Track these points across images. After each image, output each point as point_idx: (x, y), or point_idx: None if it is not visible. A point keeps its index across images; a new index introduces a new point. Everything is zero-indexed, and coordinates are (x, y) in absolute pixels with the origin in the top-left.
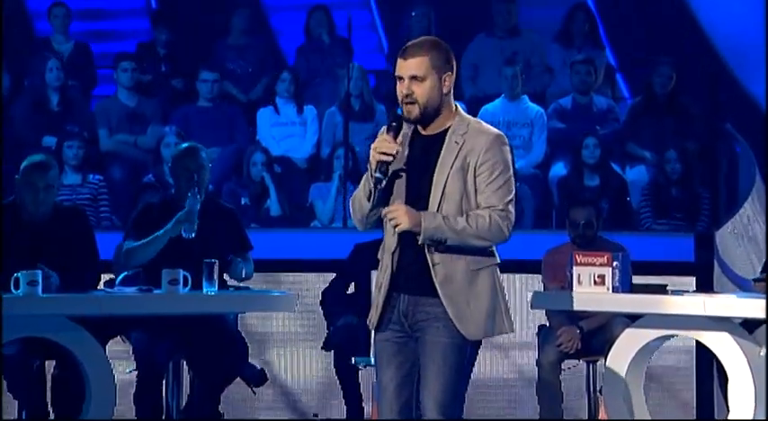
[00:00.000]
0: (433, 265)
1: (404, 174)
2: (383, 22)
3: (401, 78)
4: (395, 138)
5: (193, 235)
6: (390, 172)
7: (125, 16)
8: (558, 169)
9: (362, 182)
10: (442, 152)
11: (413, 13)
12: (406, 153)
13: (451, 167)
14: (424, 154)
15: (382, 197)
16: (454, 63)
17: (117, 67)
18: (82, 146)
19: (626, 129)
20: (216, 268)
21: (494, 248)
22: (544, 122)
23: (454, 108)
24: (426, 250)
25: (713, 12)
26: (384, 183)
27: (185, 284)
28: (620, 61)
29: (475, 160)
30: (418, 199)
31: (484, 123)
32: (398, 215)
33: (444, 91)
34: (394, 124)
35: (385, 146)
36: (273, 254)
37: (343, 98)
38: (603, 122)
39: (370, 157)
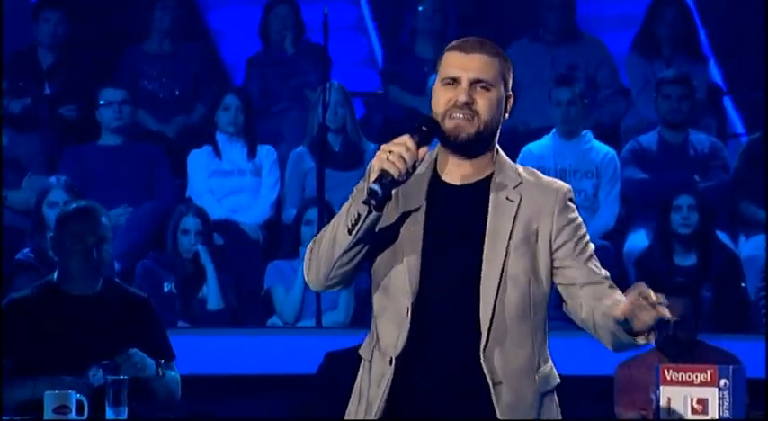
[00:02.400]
0: (494, 384)
1: (420, 241)
2: (376, 22)
3: (456, 80)
4: (418, 147)
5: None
6: (398, 202)
7: None
8: (638, 240)
9: (344, 208)
10: (492, 214)
11: (420, 8)
12: (422, 206)
13: (510, 237)
14: (458, 215)
15: (371, 238)
16: None
17: None
18: None
19: (739, 180)
20: (125, 388)
21: (551, 361)
22: (616, 170)
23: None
24: (483, 357)
25: None
26: (381, 202)
27: (79, 412)
28: (729, 80)
29: (548, 227)
30: (461, 279)
31: (538, 171)
32: None
33: (502, 118)
34: (424, 128)
35: (401, 149)
36: (212, 366)
37: (317, 134)
38: (705, 171)
39: (373, 161)
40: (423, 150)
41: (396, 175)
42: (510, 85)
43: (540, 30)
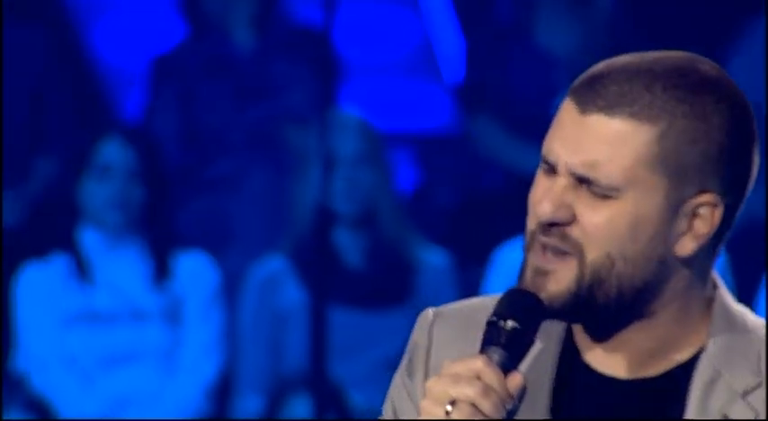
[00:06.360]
0: None
1: None
2: None
3: (552, 168)
4: (505, 369)
5: None
6: None
7: None
8: None
9: None
10: None
11: None
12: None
13: None
14: None
15: None
16: (747, 161)
17: None
18: None
19: None
20: None
21: None
22: None
23: (710, 290)
24: None
25: None
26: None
27: None
28: None
29: None
30: None
31: None
32: None
33: (678, 250)
34: (510, 326)
35: (474, 392)
36: None
37: (311, 227)
38: None
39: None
40: (516, 379)
41: None
42: (720, 175)
43: None
